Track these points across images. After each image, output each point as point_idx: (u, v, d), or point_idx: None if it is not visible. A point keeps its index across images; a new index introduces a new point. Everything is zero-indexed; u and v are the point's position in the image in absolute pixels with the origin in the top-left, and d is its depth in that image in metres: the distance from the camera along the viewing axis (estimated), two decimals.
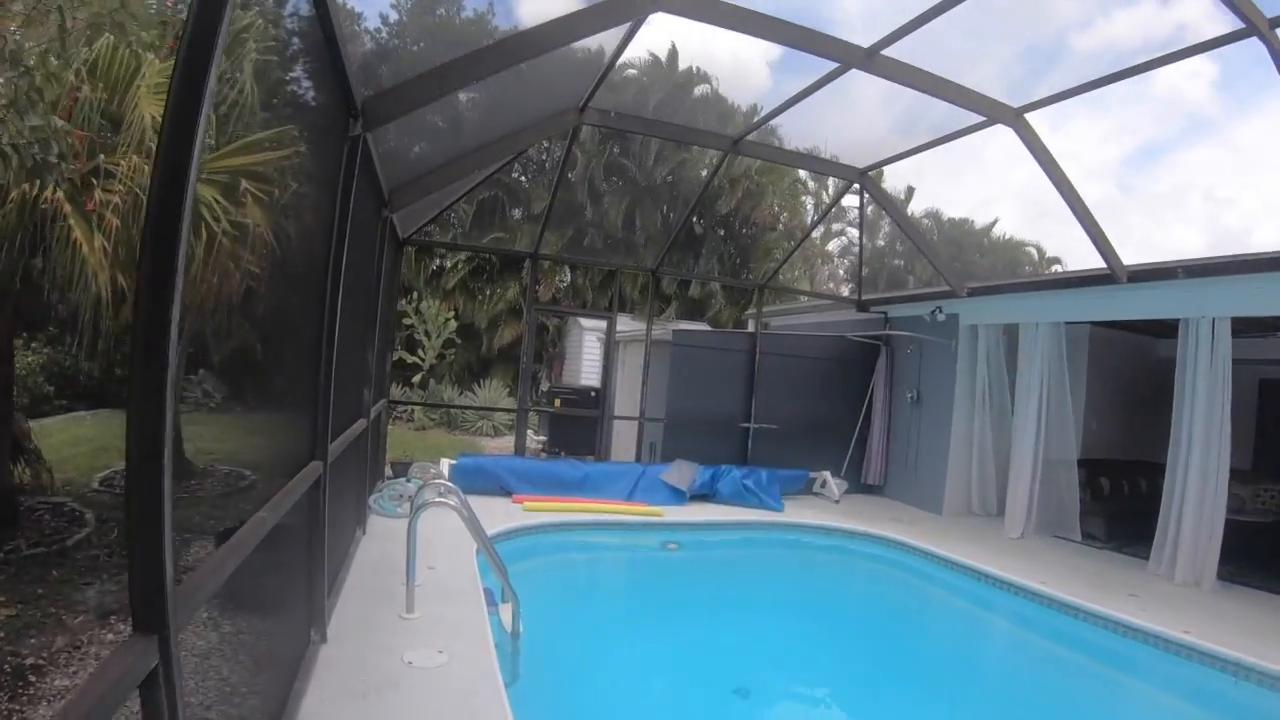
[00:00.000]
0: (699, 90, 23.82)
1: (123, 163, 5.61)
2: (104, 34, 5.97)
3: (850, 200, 29.26)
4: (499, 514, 8.15)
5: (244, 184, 5.91)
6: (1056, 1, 7.42)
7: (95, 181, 5.61)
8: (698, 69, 23.81)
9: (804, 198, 27.88)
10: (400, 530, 6.61)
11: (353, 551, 6.12)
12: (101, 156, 5.68)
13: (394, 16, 21.43)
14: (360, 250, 5.95)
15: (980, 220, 34.11)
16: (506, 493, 9.14)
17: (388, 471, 9.54)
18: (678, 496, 9.87)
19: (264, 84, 6.18)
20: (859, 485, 11.54)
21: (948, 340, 10.62)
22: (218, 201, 5.80)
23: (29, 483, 7.43)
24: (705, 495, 10.10)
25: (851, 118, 10.04)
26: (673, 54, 23.69)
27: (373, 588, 5.38)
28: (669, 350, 11.24)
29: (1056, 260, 32.17)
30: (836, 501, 10.78)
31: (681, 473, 10.14)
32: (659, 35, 22.01)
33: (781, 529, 9.52)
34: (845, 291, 26.30)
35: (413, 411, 19.37)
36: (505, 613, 5.42)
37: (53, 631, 4.83)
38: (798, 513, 9.86)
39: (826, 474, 11.24)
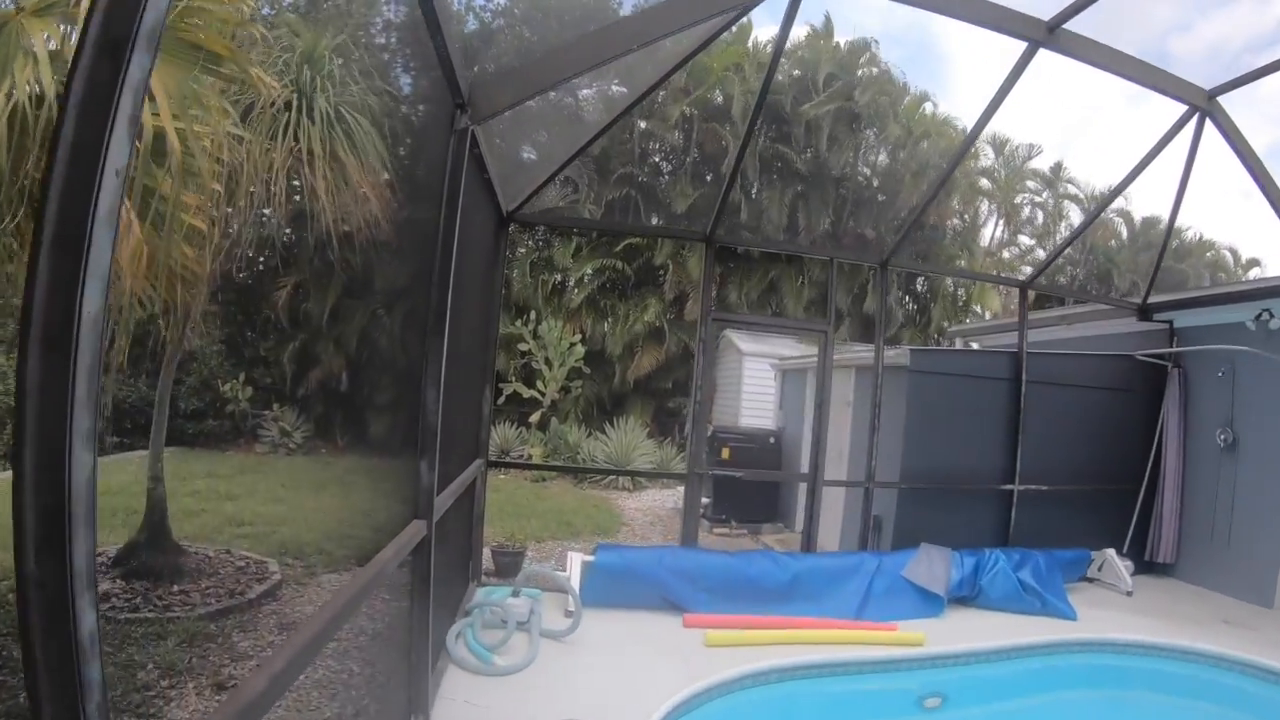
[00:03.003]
0: (864, 61, 21.18)
1: None
2: None
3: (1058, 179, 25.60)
4: (666, 652, 5.24)
5: None
6: None
7: None
8: (871, 40, 21.29)
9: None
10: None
11: None
12: None
13: None
14: (415, 197, 3.46)
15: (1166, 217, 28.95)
16: (674, 607, 6.11)
17: (486, 564, 6.68)
18: (928, 603, 6.78)
19: None
20: (1140, 564, 8.62)
21: None
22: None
23: None
24: (964, 597, 7.05)
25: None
26: (828, 23, 21.25)
27: None
28: (904, 380, 8.06)
29: (1256, 263, 27.27)
30: (1129, 593, 7.78)
31: (933, 566, 7.05)
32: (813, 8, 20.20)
33: (1088, 651, 6.39)
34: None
35: (529, 457, 16.77)
36: None
37: None
38: (1094, 617, 6.87)
39: (1110, 553, 8.23)
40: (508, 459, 15.97)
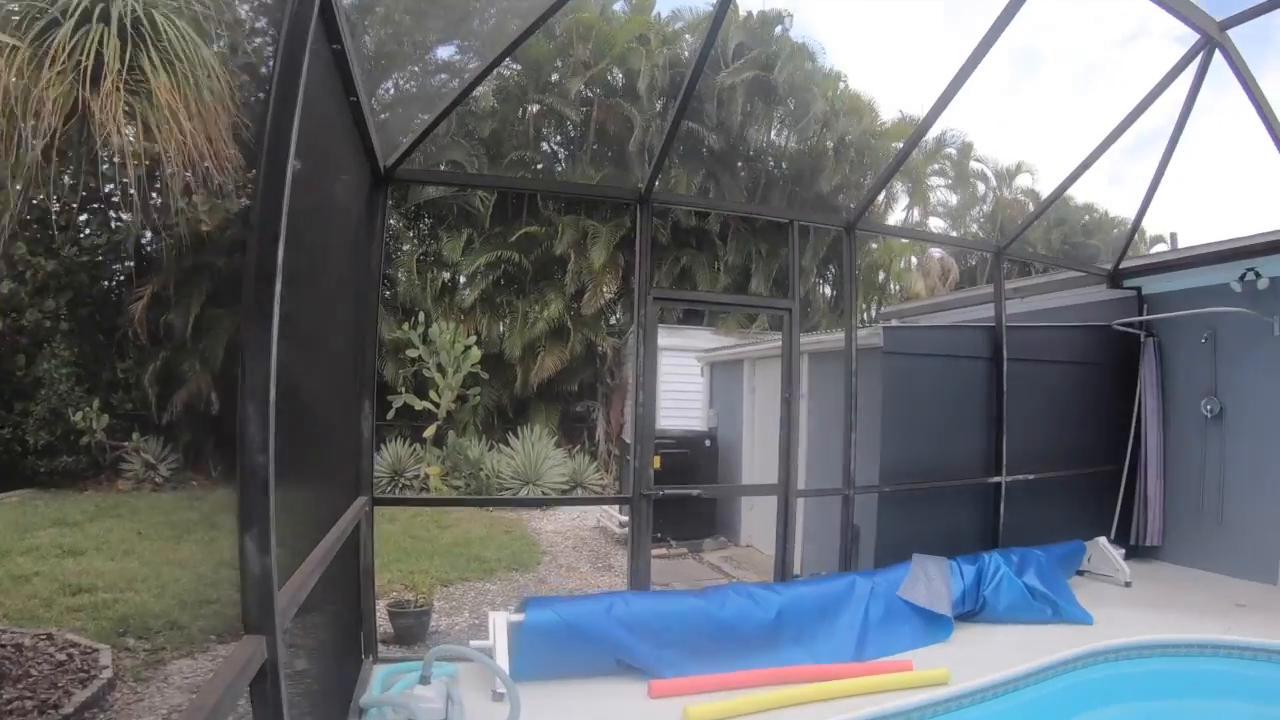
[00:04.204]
0: (778, 34, 20.65)
1: None
2: None
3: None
4: None
5: None
6: None
7: None
8: (785, 12, 20.83)
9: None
10: None
11: None
12: None
13: None
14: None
15: (1078, 196, 29.74)
16: (633, 670, 4.81)
17: (382, 625, 5.25)
18: (932, 626, 5.89)
19: None
20: (1127, 549, 8.13)
21: (1269, 317, 7.65)
22: None
23: None
24: (969, 612, 6.24)
25: None
26: None
27: None
28: (878, 364, 7.00)
29: (1160, 239, 27.64)
30: (1127, 584, 7.33)
31: (931, 582, 6.13)
32: None
33: (1121, 658, 5.73)
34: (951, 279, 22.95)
35: (426, 478, 15.21)
36: None
37: None
38: (1107, 617, 6.29)
39: (1101, 541, 7.77)
40: (403, 485, 14.48)
